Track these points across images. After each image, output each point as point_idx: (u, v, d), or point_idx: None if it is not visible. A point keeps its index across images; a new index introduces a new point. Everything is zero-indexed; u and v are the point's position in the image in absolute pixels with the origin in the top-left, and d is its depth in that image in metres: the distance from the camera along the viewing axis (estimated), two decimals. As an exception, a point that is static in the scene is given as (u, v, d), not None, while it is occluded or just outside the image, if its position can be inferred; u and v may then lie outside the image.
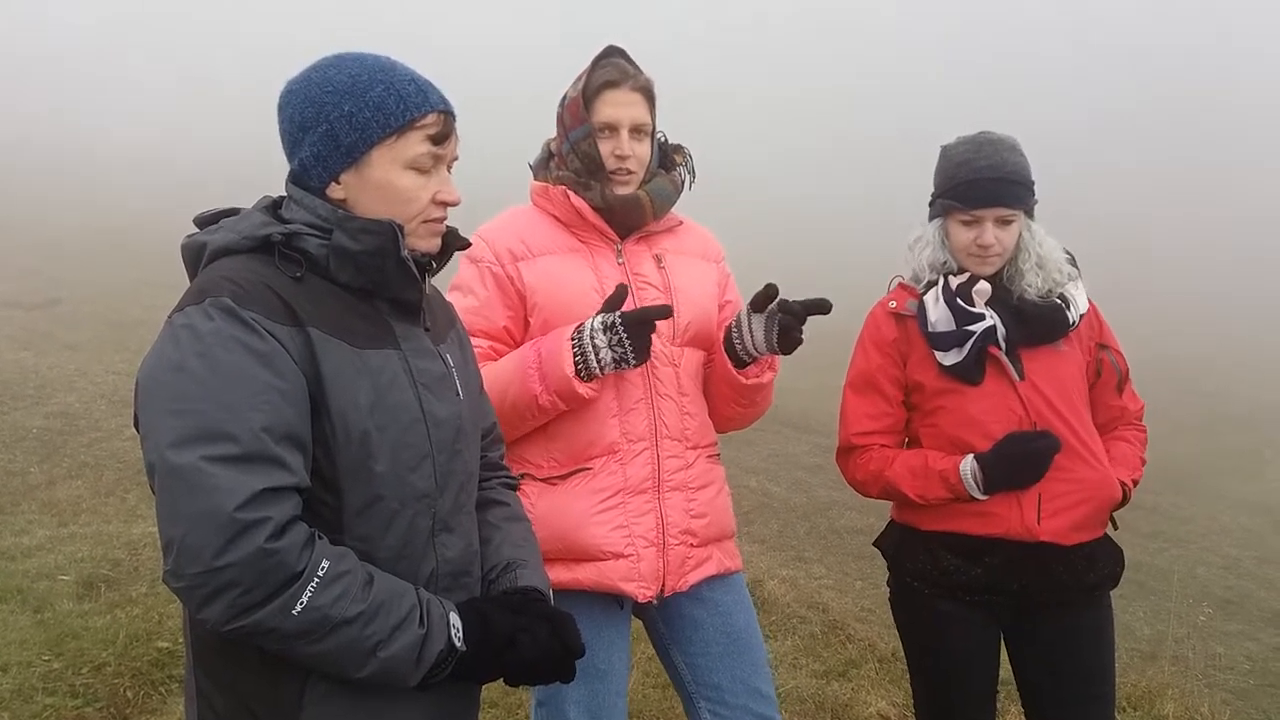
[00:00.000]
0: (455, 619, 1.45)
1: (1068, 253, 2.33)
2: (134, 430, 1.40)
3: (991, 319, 2.21)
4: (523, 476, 2.15)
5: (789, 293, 2.10)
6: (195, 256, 1.48)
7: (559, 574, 2.04)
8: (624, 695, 2.19)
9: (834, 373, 2.44)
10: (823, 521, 6.88)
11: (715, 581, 2.23)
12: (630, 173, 2.16)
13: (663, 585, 2.13)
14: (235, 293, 1.36)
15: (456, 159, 1.55)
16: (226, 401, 1.31)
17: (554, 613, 1.57)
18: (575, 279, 2.13)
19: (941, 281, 2.27)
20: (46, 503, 5.42)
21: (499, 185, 2.33)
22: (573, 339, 2.00)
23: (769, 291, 2.06)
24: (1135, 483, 2.34)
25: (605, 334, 1.99)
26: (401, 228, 1.47)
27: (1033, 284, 2.24)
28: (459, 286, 2.18)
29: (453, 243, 1.60)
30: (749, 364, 2.17)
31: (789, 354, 2.14)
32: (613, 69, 2.15)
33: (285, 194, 1.53)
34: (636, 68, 2.19)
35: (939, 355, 2.24)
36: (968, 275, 2.26)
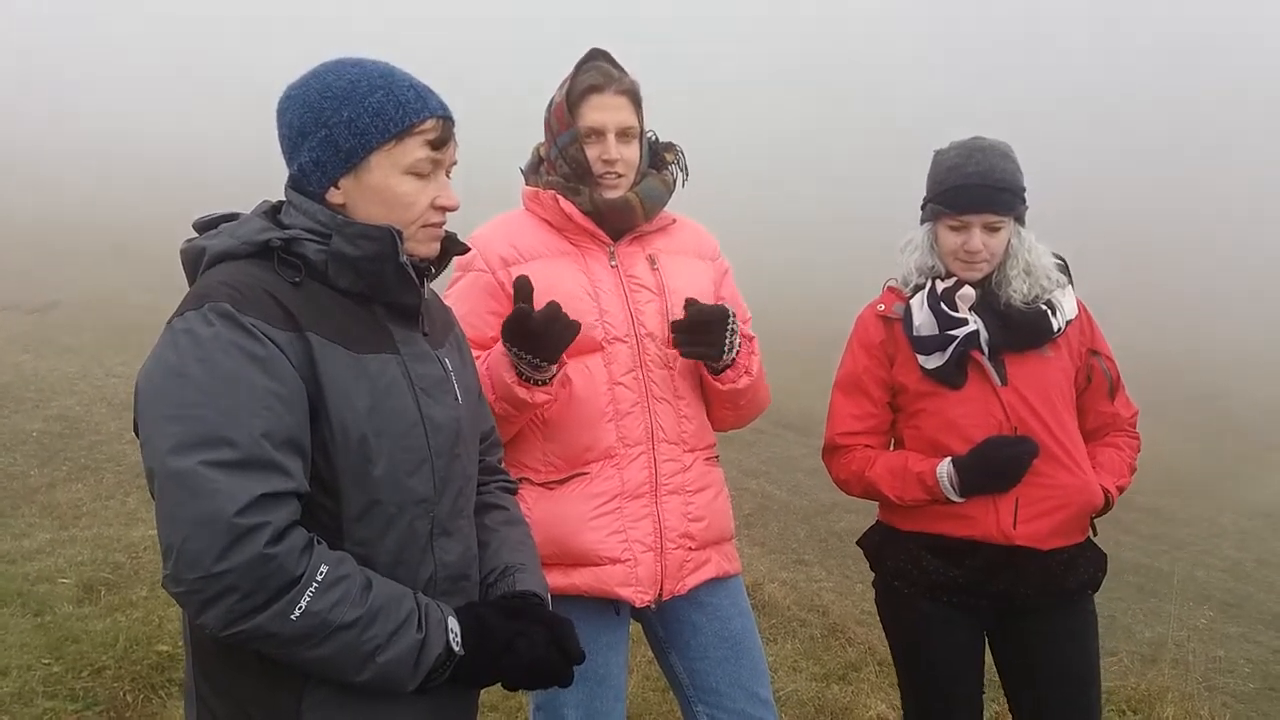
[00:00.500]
0: (453, 623, 1.45)
1: (1060, 259, 2.34)
2: (134, 434, 1.40)
3: (974, 324, 2.23)
4: (520, 481, 2.15)
5: (783, 290, 2.10)
6: (194, 261, 1.48)
7: (556, 579, 2.04)
8: (622, 700, 2.19)
9: (834, 377, 2.46)
10: (823, 524, 6.87)
11: (714, 585, 2.22)
12: (619, 176, 2.16)
13: (660, 589, 2.12)
14: (234, 298, 1.36)
15: (455, 164, 1.56)
16: (226, 407, 1.31)
17: (552, 617, 1.57)
18: (568, 283, 2.13)
19: (928, 285, 2.29)
20: (47, 506, 5.42)
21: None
22: (507, 349, 1.98)
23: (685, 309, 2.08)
24: (1121, 489, 2.34)
25: (510, 350, 1.95)
26: (400, 233, 1.47)
27: (1019, 290, 2.26)
28: (449, 294, 2.18)
29: (451, 248, 1.60)
30: (725, 370, 2.17)
31: (689, 360, 2.14)
32: (596, 73, 2.15)
33: (284, 199, 1.54)
34: (621, 70, 2.19)
35: (921, 359, 2.26)
36: (954, 280, 2.28)
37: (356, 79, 1.47)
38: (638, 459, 2.13)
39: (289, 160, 1.50)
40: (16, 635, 3.67)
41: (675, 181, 2.28)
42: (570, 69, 2.20)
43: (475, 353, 2.07)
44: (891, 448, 2.41)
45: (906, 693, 2.40)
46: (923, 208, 2.35)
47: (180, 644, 3.46)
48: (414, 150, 1.48)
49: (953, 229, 2.25)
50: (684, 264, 2.27)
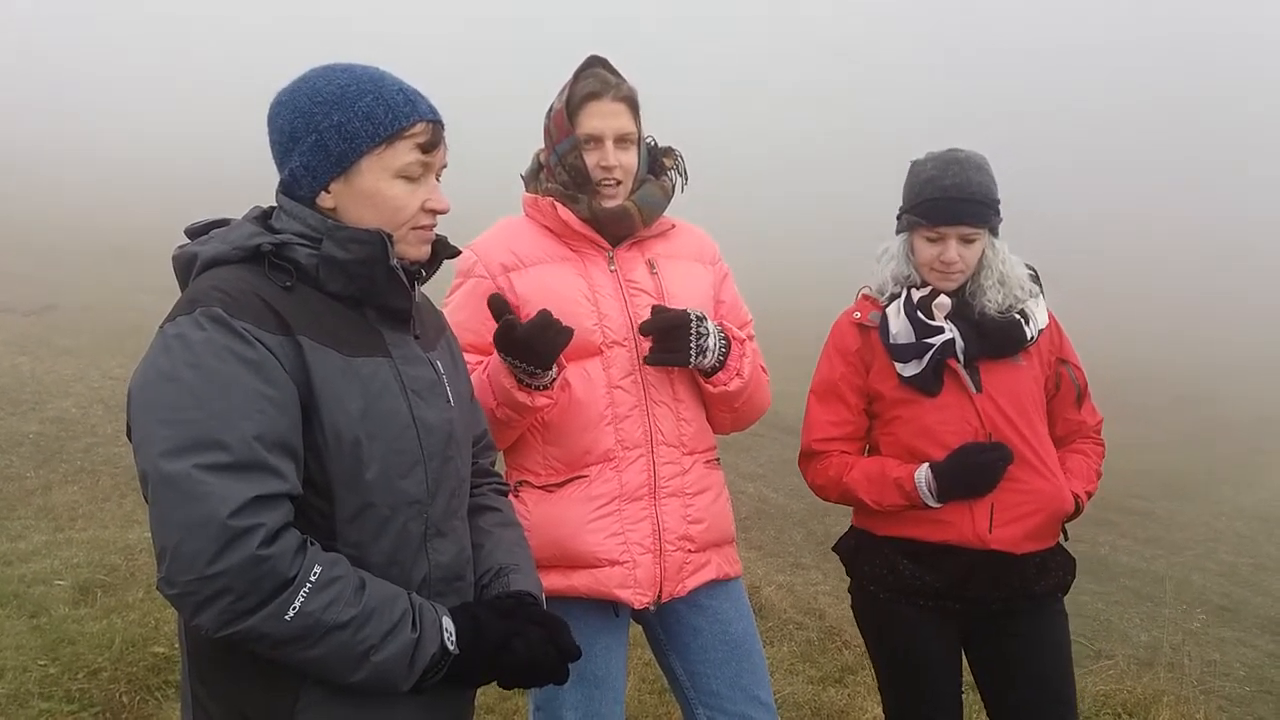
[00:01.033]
0: (448, 623, 1.46)
1: (1031, 269, 2.39)
2: (128, 438, 1.40)
3: (950, 332, 2.27)
4: (520, 484, 2.15)
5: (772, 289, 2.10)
6: (186, 267, 1.49)
7: (555, 581, 2.05)
8: (621, 702, 2.19)
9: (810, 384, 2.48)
10: (820, 528, 6.87)
11: (714, 587, 2.23)
12: (617, 183, 2.17)
13: (660, 591, 2.13)
14: (226, 302, 1.37)
15: (445, 167, 1.57)
16: (218, 410, 1.31)
17: (547, 616, 1.58)
18: (567, 288, 2.14)
19: (904, 294, 2.33)
20: (43, 508, 5.41)
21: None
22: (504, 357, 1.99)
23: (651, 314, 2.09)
24: (1089, 495, 2.39)
25: (505, 361, 1.97)
26: (390, 236, 1.48)
27: (994, 300, 2.30)
28: (450, 300, 2.19)
29: (442, 251, 1.61)
30: (716, 372, 2.18)
31: (652, 365, 2.14)
32: (594, 80, 2.16)
33: (275, 204, 1.54)
34: (619, 77, 2.20)
35: (898, 366, 2.29)
36: (930, 289, 2.32)
37: (346, 84, 1.47)
38: (636, 462, 2.13)
39: (280, 165, 1.51)
40: (12, 637, 3.66)
41: (674, 187, 2.29)
42: (569, 76, 2.21)
43: (475, 359, 2.08)
44: (866, 454, 2.43)
45: (888, 696, 2.42)
46: (899, 218, 2.39)
47: (176, 646, 3.47)
48: (404, 154, 1.48)
49: (929, 240, 2.29)
50: (683, 268, 2.28)
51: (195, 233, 1.54)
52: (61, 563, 4.49)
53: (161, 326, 1.40)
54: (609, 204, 2.17)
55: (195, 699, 1.47)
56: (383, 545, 1.47)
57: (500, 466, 1.97)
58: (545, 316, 1.91)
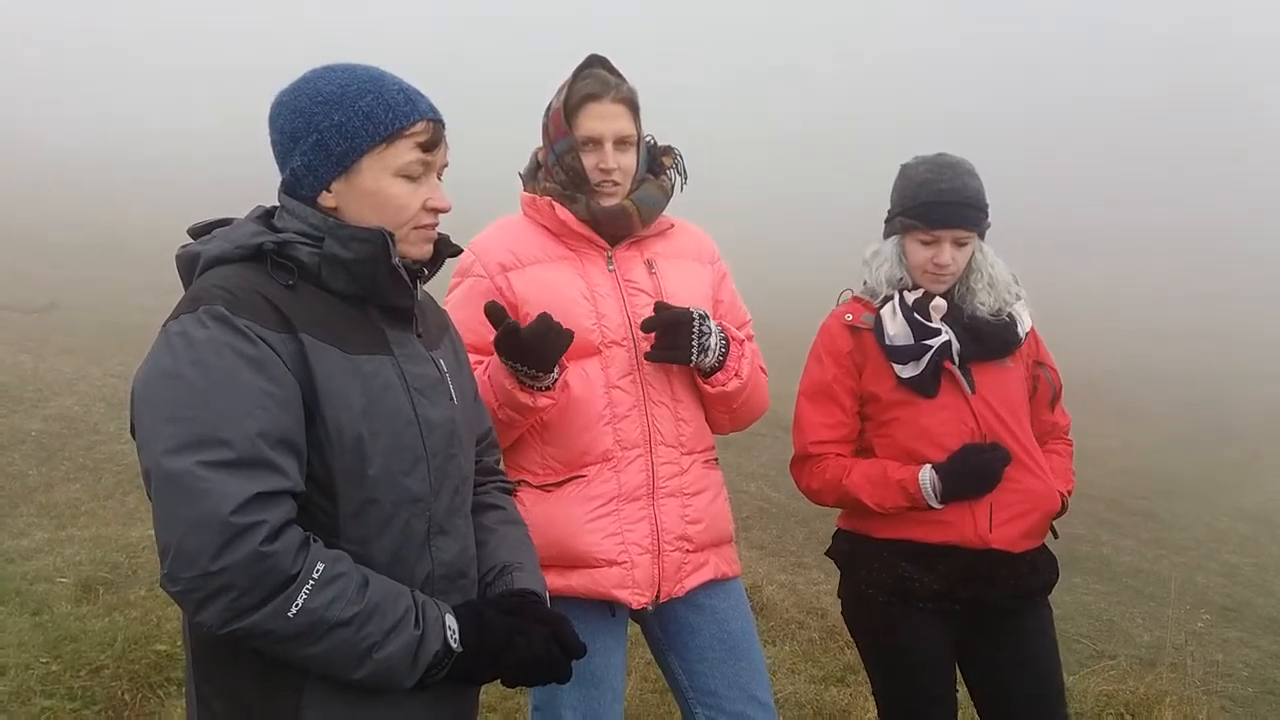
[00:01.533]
0: (451, 620, 1.46)
1: (1011, 274, 2.42)
2: (131, 435, 1.40)
3: (947, 334, 2.29)
4: (518, 483, 2.15)
5: (759, 288, 2.10)
6: (189, 266, 1.49)
7: (553, 581, 2.04)
8: (620, 701, 2.19)
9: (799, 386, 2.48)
10: (822, 527, 6.86)
11: (713, 587, 2.23)
12: (616, 184, 2.16)
13: (658, 591, 2.13)
14: (228, 300, 1.38)
15: (446, 165, 1.57)
16: (220, 408, 1.32)
17: (550, 614, 1.58)
18: (566, 287, 2.14)
19: (897, 297, 2.33)
20: (45, 505, 5.42)
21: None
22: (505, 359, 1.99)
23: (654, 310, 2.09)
24: (1069, 493, 2.43)
25: (507, 364, 1.97)
26: (392, 235, 1.48)
27: (985, 302, 2.34)
28: (449, 300, 2.18)
29: (445, 249, 1.61)
30: (715, 372, 2.17)
31: (654, 361, 2.14)
32: (594, 81, 2.15)
33: (278, 203, 1.54)
34: (619, 77, 2.19)
35: (897, 368, 2.30)
36: (922, 291, 2.33)
37: (346, 83, 1.48)
38: (635, 461, 2.13)
39: (281, 165, 1.51)
40: (14, 634, 3.67)
41: (673, 186, 2.29)
42: (568, 74, 2.20)
43: (475, 358, 2.07)
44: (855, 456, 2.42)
45: (885, 698, 2.42)
46: (889, 220, 2.39)
47: (178, 643, 3.47)
48: (404, 153, 1.49)
49: (923, 243, 2.31)
50: (682, 268, 2.28)
51: (198, 232, 1.54)
52: (64, 560, 4.50)
53: (165, 325, 1.40)
54: (607, 203, 2.16)
55: (199, 696, 1.47)
56: (385, 543, 1.47)
57: (501, 465, 1.97)
58: (546, 320, 1.91)
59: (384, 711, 1.46)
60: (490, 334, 2.12)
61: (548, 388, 2.00)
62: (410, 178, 1.50)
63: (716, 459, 2.31)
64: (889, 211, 2.41)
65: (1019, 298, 2.39)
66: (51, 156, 29.51)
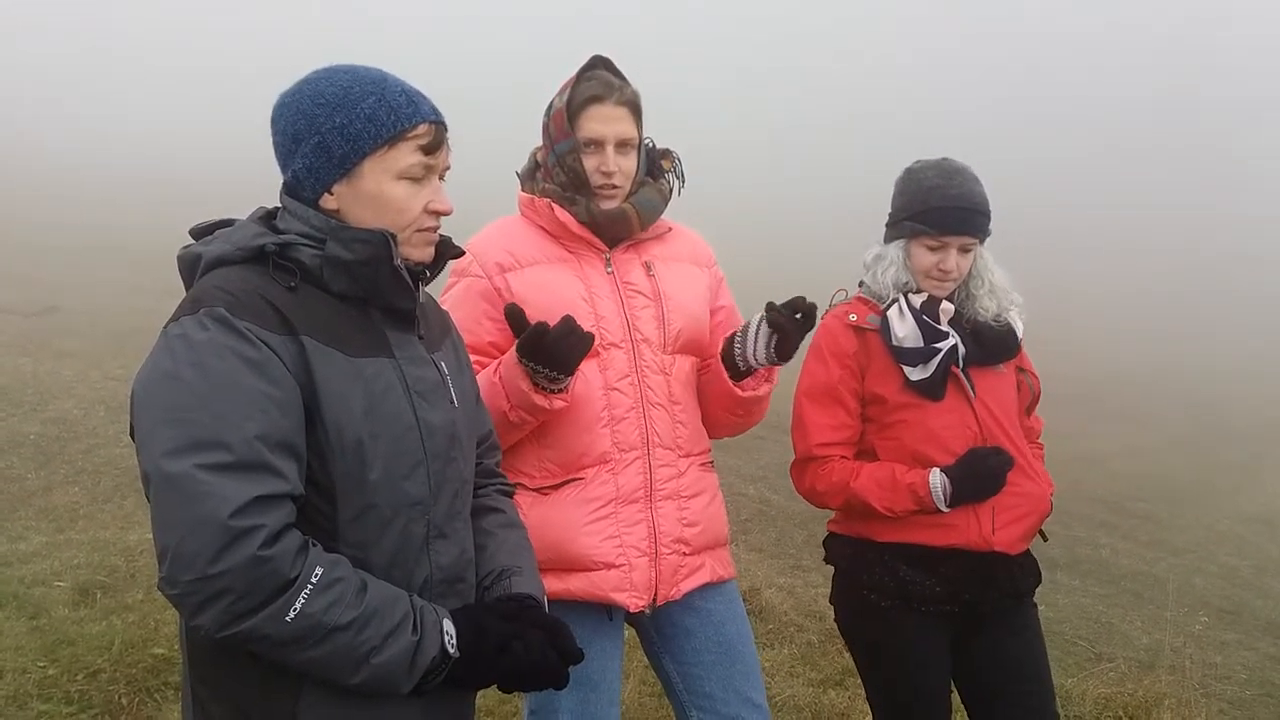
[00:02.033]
0: (449, 625, 1.46)
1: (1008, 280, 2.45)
2: (131, 438, 1.40)
3: (954, 338, 2.30)
4: (515, 486, 2.15)
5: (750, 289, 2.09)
6: (190, 267, 1.49)
7: (550, 584, 2.03)
8: (616, 705, 2.19)
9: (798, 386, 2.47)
10: (821, 530, 6.80)
11: (708, 590, 2.23)
12: (616, 188, 2.16)
13: (655, 594, 2.13)
14: (229, 302, 1.37)
15: (449, 168, 1.56)
16: (220, 410, 1.31)
17: (548, 620, 1.57)
18: (564, 288, 2.13)
19: (903, 299, 2.34)
20: (43, 509, 5.41)
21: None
22: (520, 361, 1.98)
23: (796, 304, 2.06)
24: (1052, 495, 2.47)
25: (525, 365, 1.95)
26: (394, 237, 1.48)
27: (987, 307, 2.37)
28: (445, 299, 2.18)
29: (446, 251, 1.61)
30: (746, 376, 2.17)
31: (785, 361, 2.14)
32: (597, 83, 2.15)
33: (279, 205, 1.54)
34: (623, 79, 2.19)
35: (908, 370, 2.30)
36: (926, 295, 2.34)
37: (349, 85, 1.47)
38: (633, 464, 2.13)
39: (283, 167, 1.51)
40: (11, 638, 3.66)
41: (672, 190, 2.29)
42: (571, 75, 2.20)
43: (478, 359, 2.07)
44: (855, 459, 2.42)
45: (883, 702, 2.42)
46: (893, 224, 2.39)
47: (176, 647, 3.46)
48: (406, 155, 1.48)
49: (930, 248, 2.32)
50: (680, 271, 2.28)
51: (200, 233, 1.54)
52: (61, 564, 4.49)
53: (165, 326, 1.40)
54: (607, 206, 2.16)
55: (196, 700, 1.47)
56: (385, 546, 1.46)
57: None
58: (570, 323, 1.91)
59: (381, 715, 1.45)
60: (486, 335, 2.12)
61: (563, 389, 2.00)
62: (412, 180, 1.50)
63: (712, 462, 2.31)
64: (892, 215, 2.41)
65: (1016, 304, 2.41)
66: (51, 158, 29.50)
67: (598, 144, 2.14)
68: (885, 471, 2.29)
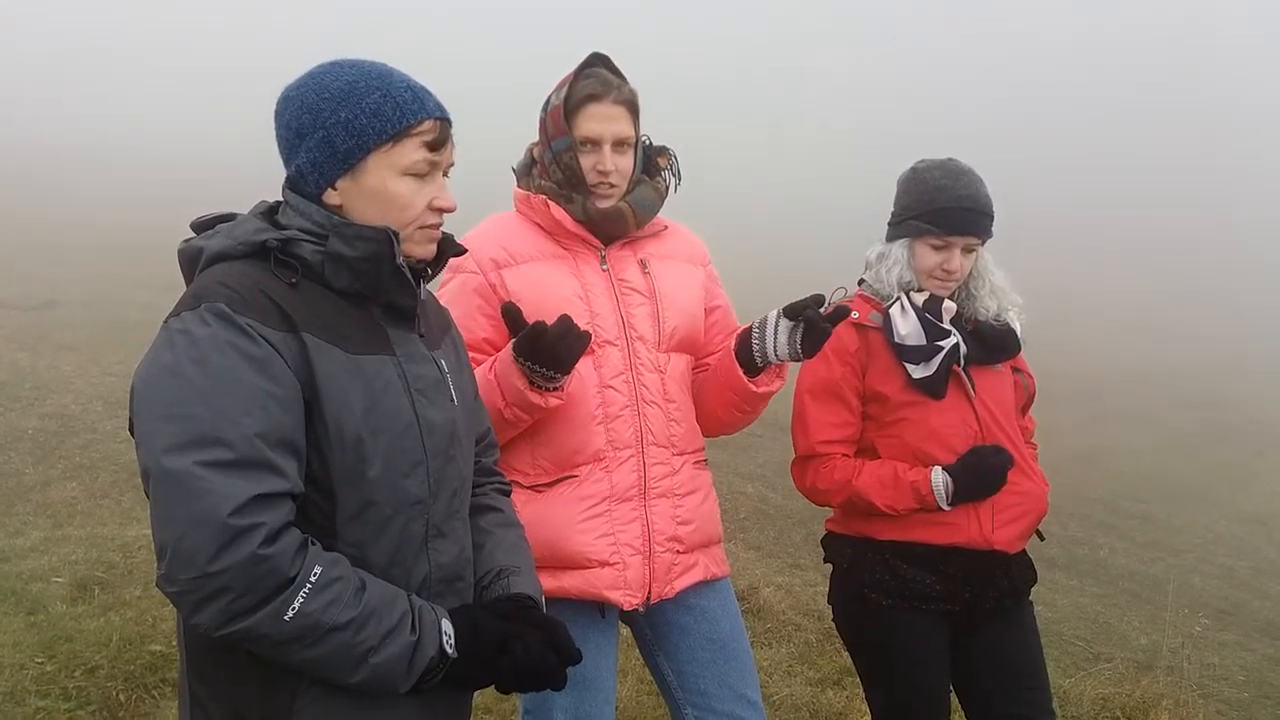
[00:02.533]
0: (447, 625, 1.45)
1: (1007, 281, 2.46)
2: (130, 434, 1.40)
3: (955, 337, 2.31)
4: (509, 484, 2.14)
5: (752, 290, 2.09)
6: (191, 262, 1.48)
7: (545, 581, 2.02)
8: (611, 702, 2.19)
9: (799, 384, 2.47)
10: (819, 529, 6.80)
11: (702, 588, 2.23)
12: (612, 186, 2.15)
13: (649, 592, 2.12)
14: (230, 298, 1.37)
15: (453, 165, 1.56)
16: (221, 407, 1.31)
17: (546, 620, 1.57)
18: (559, 285, 2.13)
19: (905, 298, 2.34)
20: (41, 504, 5.40)
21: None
22: (516, 359, 1.97)
23: (811, 302, 2.05)
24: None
25: (521, 363, 1.94)
26: (397, 234, 1.48)
27: (988, 307, 2.38)
28: (439, 296, 2.17)
29: (448, 249, 1.60)
30: (761, 371, 2.17)
31: (811, 357, 2.13)
32: (595, 81, 2.14)
33: (281, 199, 1.53)
34: (621, 78, 2.18)
35: (910, 368, 2.31)
36: (928, 294, 2.35)
37: (354, 80, 1.46)
38: (627, 462, 2.12)
39: (286, 161, 1.50)
40: (9, 634, 3.65)
41: (668, 188, 2.28)
42: (569, 71, 2.19)
43: (473, 356, 2.06)
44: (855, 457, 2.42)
45: (882, 702, 2.42)
46: (897, 223, 2.39)
47: (174, 644, 3.45)
48: (411, 152, 1.48)
49: (935, 248, 2.33)
50: (675, 269, 2.28)
51: (201, 227, 1.53)
52: (59, 559, 4.48)
53: (166, 321, 1.39)
54: (603, 204, 2.16)
55: (194, 697, 1.47)
56: (384, 545, 1.46)
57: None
58: (566, 322, 1.90)
59: (378, 714, 1.45)
60: (481, 331, 2.12)
61: (559, 387, 1.99)
62: (416, 176, 1.49)
63: (706, 460, 2.31)
64: (896, 214, 2.41)
65: (1016, 305, 2.43)
66: (51, 155, 29.45)
67: (594, 143, 2.13)
68: (887, 469, 2.30)
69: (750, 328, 2.16)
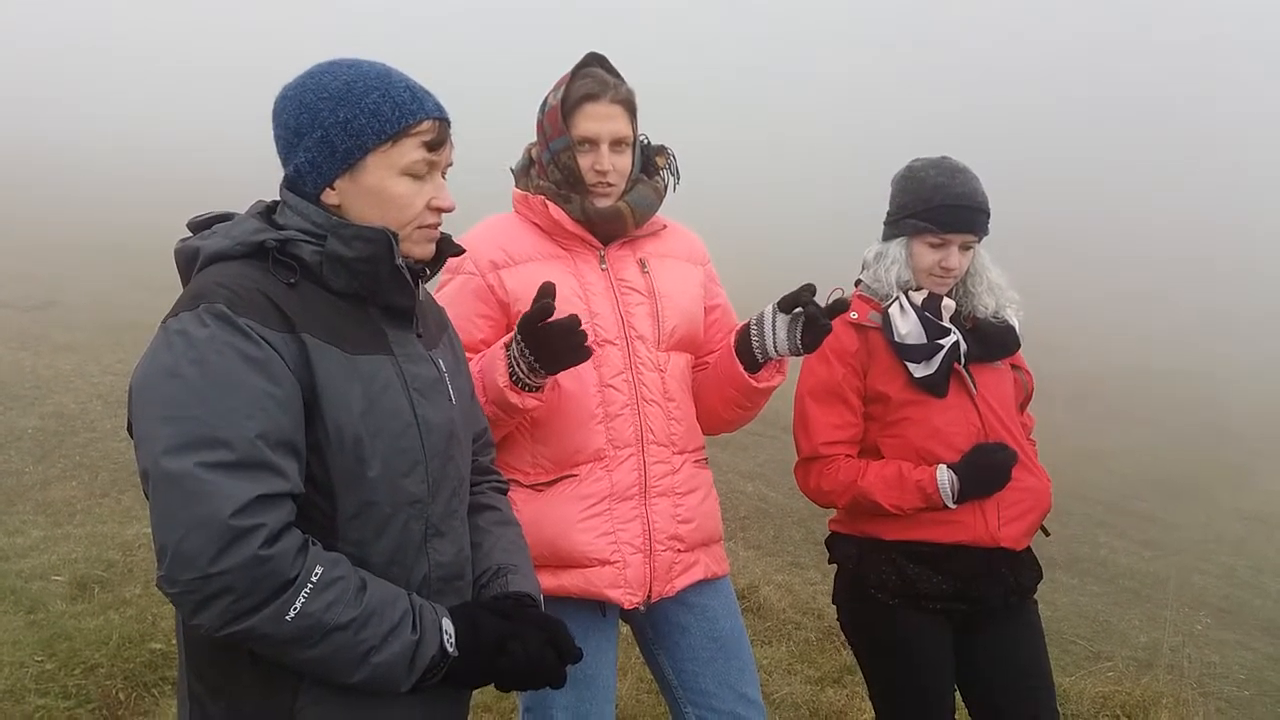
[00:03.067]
0: (448, 624, 1.45)
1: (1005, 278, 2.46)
2: (129, 433, 1.39)
3: (955, 335, 2.31)
4: (509, 483, 2.14)
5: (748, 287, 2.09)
6: (189, 261, 1.48)
7: (545, 580, 2.02)
8: (611, 701, 2.19)
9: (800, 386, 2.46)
10: (819, 527, 6.86)
11: (702, 586, 2.22)
12: (610, 186, 2.15)
13: (649, 591, 2.12)
14: (230, 299, 1.36)
15: (451, 165, 1.56)
16: (221, 408, 1.31)
17: (546, 619, 1.57)
18: (558, 286, 2.12)
19: (903, 297, 2.34)
20: (41, 503, 5.40)
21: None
22: (506, 349, 1.96)
23: (804, 293, 2.04)
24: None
25: (515, 345, 1.92)
26: (396, 235, 1.47)
27: (986, 304, 2.39)
28: (438, 296, 2.17)
29: (446, 249, 1.60)
30: (761, 367, 2.17)
31: (811, 351, 2.12)
32: (592, 81, 2.14)
33: (279, 199, 1.53)
34: (618, 77, 2.18)
35: (912, 367, 2.30)
36: (926, 293, 2.35)
37: (352, 80, 1.46)
38: (627, 461, 2.12)
39: (284, 161, 1.50)
40: (9, 632, 3.66)
41: (667, 187, 2.28)
42: (566, 71, 2.19)
43: (470, 358, 2.06)
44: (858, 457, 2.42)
45: (888, 701, 2.41)
46: (893, 222, 2.39)
47: (173, 642, 3.46)
48: (410, 152, 1.47)
49: (932, 246, 2.33)
50: (674, 268, 2.27)
51: (198, 226, 1.52)
52: (59, 558, 4.49)
53: (164, 322, 1.39)
54: (602, 204, 2.15)
55: (193, 696, 1.46)
56: (383, 544, 1.46)
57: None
58: (575, 320, 1.85)
59: (379, 712, 1.45)
60: (478, 333, 2.12)
61: (538, 388, 1.97)
62: (415, 176, 1.49)
63: (707, 459, 2.31)
64: (892, 213, 2.40)
65: (1014, 302, 2.43)
66: (50, 154, 29.44)
67: (592, 142, 2.13)
68: (892, 469, 2.30)
69: (749, 323, 2.16)
